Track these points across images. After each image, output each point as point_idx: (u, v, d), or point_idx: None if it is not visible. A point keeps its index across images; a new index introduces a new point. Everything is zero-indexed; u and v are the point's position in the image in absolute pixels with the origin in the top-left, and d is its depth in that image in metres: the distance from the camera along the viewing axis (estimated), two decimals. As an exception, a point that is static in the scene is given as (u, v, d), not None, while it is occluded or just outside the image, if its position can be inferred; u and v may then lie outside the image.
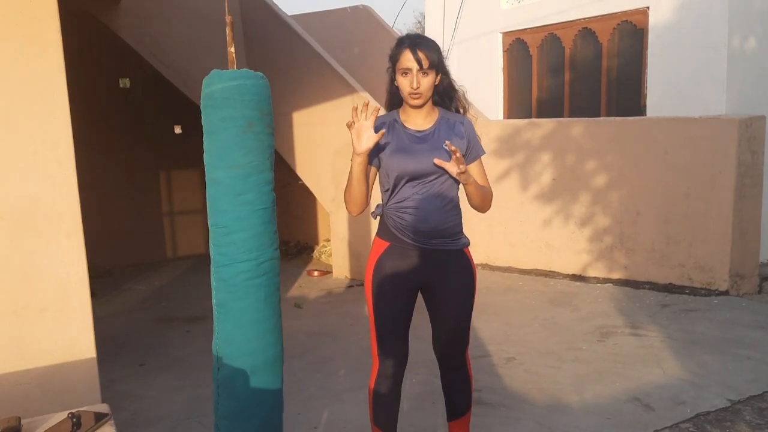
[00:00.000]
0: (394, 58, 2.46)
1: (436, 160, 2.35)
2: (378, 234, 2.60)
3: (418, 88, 2.39)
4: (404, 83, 2.42)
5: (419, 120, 2.52)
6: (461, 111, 2.60)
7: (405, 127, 2.52)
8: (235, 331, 2.25)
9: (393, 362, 2.61)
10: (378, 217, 2.61)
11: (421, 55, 2.38)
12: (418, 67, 2.38)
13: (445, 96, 2.56)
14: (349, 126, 2.36)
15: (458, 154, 2.29)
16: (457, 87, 2.59)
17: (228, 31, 2.27)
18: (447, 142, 2.34)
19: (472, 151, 2.53)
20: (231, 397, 2.27)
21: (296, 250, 8.13)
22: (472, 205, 2.56)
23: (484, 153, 2.59)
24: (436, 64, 2.42)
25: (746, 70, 6.30)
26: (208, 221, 2.26)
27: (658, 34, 6.69)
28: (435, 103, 2.55)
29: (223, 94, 2.15)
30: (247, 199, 2.19)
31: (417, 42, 2.42)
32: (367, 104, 2.34)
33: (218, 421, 2.32)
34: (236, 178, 2.17)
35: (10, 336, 2.74)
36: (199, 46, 6.14)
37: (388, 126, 2.51)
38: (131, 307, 5.97)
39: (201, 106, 2.22)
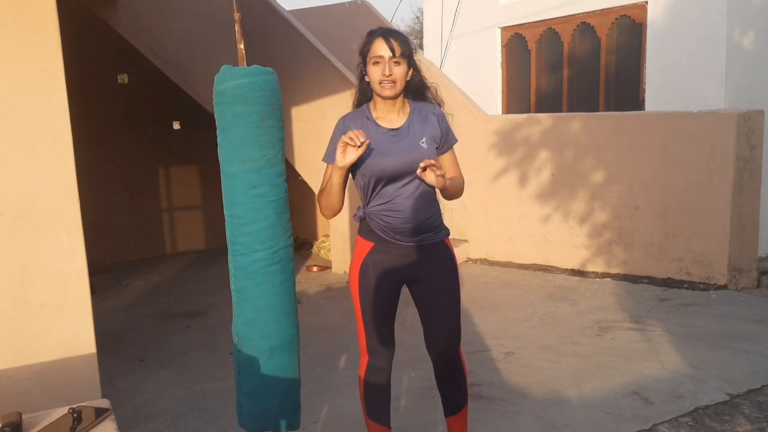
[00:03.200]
0: (364, 50, 2.43)
1: (419, 173, 2.32)
2: (360, 233, 2.58)
3: (390, 75, 2.35)
4: (375, 72, 2.37)
5: (392, 116, 2.47)
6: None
7: (378, 125, 2.46)
8: (254, 315, 2.35)
9: (382, 355, 2.63)
10: (360, 219, 2.59)
11: (393, 43, 2.35)
12: (390, 55, 2.35)
13: (418, 93, 2.53)
14: (342, 143, 2.32)
15: (428, 164, 2.28)
16: (429, 84, 2.56)
17: (237, 28, 2.31)
18: (420, 165, 2.29)
19: (445, 141, 2.52)
20: (252, 376, 2.38)
21: (295, 245, 8.08)
22: (445, 198, 2.58)
23: (457, 141, 2.59)
24: (408, 55, 2.39)
25: (745, 64, 6.30)
26: (225, 213, 2.34)
27: (656, 29, 6.69)
28: (406, 98, 2.53)
29: (235, 91, 2.21)
30: (261, 192, 2.28)
31: (389, 32, 2.40)
32: (364, 141, 2.31)
33: (240, 398, 2.44)
34: (250, 172, 2.26)
35: (10, 332, 2.74)
36: (198, 41, 6.13)
37: (360, 123, 2.46)
38: (131, 303, 5.97)
39: (213, 103, 2.28)
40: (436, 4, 8.73)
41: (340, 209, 2.52)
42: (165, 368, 4.25)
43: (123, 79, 7.38)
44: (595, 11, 7.21)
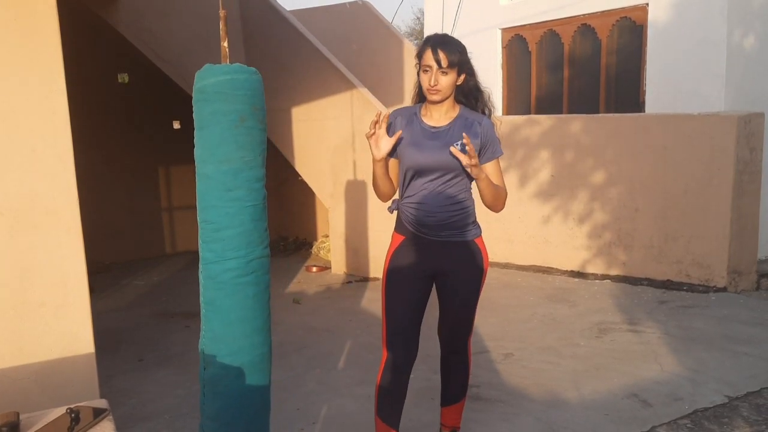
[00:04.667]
0: (419, 56, 2.55)
1: (452, 148, 2.44)
2: (395, 229, 2.70)
3: (435, 85, 2.48)
4: (424, 79, 2.52)
5: (437, 116, 2.59)
6: (486, 113, 2.65)
7: (422, 121, 2.60)
8: (223, 329, 2.19)
9: (400, 354, 2.65)
10: (394, 212, 2.70)
11: (441, 55, 2.46)
12: (437, 66, 2.46)
13: (471, 96, 2.63)
14: (369, 137, 2.51)
15: (470, 147, 2.38)
16: (482, 88, 2.65)
17: (222, 25, 2.25)
18: (464, 134, 2.43)
19: (487, 151, 2.58)
20: (217, 396, 2.21)
21: (295, 245, 8.13)
22: (484, 203, 2.62)
23: (502, 154, 2.64)
24: (457, 64, 2.49)
25: (745, 66, 6.30)
26: (198, 217, 2.22)
27: (657, 31, 6.68)
28: (459, 102, 2.61)
29: (215, 89, 2.11)
30: (237, 196, 2.14)
31: (439, 42, 2.50)
32: (380, 114, 2.50)
33: (203, 422, 2.27)
34: (226, 174, 2.13)
35: (8, 331, 2.74)
36: (198, 41, 6.13)
37: (407, 118, 2.60)
38: (130, 303, 5.97)
39: (193, 100, 2.19)
40: (436, 5, 8.73)
41: (394, 192, 2.68)
42: (164, 368, 4.24)
43: (123, 78, 7.38)
44: (595, 13, 7.20)
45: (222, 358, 2.19)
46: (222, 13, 2.25)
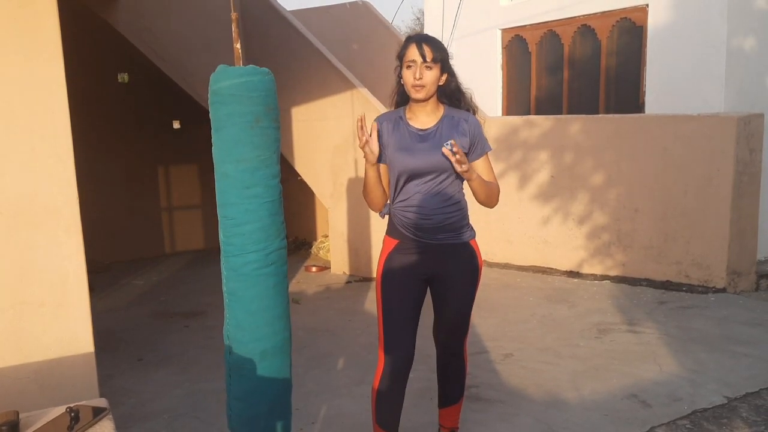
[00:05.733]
0: (400, 54, 2.54)
1: (444, 150, 2.41)
2: (387, 233, 2.68)
3: (420, 79, 2.46)
4: (408, 75, 2.49)
5: (423, 117, 2.58)
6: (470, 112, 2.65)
7: (409, 124, 2.58)
8: (246, 317, 2.33)
9: (397, 359, 2.62)
10: (386, 216, 2.69)
11: (425, 48, 2.46)
12: (421, 60, 2.45)
13: (453, 98, 2.62)
14: (362, 147, 2.51)
15: (459, 154, 2.36)
16: (464, 89, 2.65)
17: (234, 27, 2.28)
18: (452, 141, 2.40)
19: (476, 148, 2.58)
20: (242, 379, 2.37)
21: (294, 245, 8.13)
22: (478, 200, 2.61)
23: (490, 149, 2.64)
24: (440, 60, 2.49)
25: (745, 67, 6.30)
26: (218, 213, 2.33)
27: (657, 32, 6.69)
28: (442, 103, 2.61)
29: (230, 91, 2.19)
30: (255, 192, 2.26)
31: (423, 38, 2.51)
32: (361, 120, 2.48)
33: (230, 402, 2.42)
34: (244, 172, 2.24)
35: (8, 330, 2.74)
36: (198, 40, 6.14)
37: (393, 123, 2.59)
38: (129, 302, 5.97)
39: (208, 102, 2.27)
40: (436, 6, 8.73)
41: (386, 200, 2.66)
42: (163, 368, 4.24)
43: (123, 78, 7.38)
44: (595, 14, 7.21)
45: (246, 345, 2.34)
46: (234, 15, 2.30)
